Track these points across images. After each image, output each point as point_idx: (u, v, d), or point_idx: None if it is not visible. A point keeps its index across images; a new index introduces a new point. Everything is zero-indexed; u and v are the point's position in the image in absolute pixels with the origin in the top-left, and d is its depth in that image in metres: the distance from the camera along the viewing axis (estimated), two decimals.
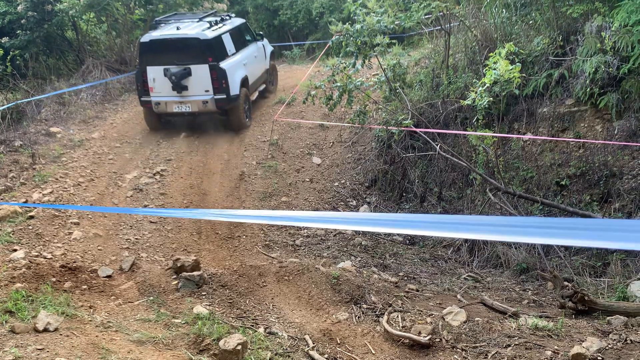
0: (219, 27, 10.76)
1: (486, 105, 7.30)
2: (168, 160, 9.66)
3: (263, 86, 12.48)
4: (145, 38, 10.41)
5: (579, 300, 5.43)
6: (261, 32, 13.29)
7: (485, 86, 7.12)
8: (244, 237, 7.54)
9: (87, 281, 5.86)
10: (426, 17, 10.82)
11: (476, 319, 5.20)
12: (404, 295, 5.90)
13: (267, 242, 7.46)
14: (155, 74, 10.16)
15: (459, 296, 6.09)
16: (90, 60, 13.80)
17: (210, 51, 10.08)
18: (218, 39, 10.39)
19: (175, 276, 6.01)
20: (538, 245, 7.24)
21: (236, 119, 10.66)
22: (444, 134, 9.14)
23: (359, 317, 5.32)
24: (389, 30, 8.64)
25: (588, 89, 7.92)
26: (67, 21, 14.30)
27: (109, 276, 6.07)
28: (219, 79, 10.04)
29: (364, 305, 5.51)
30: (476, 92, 7.32)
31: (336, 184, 9.53)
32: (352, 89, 8.56)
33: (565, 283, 5.92)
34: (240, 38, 11.43)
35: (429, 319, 5.16)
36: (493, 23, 9.70)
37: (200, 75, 10.06)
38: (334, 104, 8.73)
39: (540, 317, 5.25)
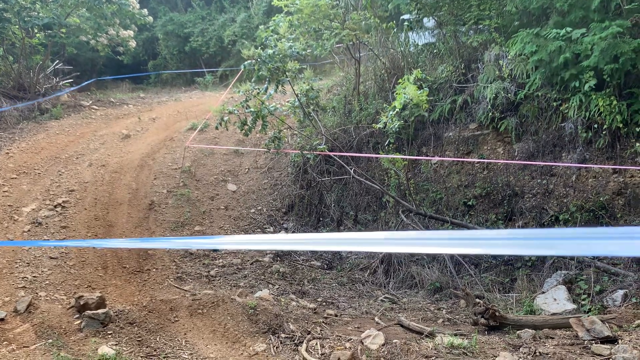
0: None
1: (397, 129, 7.51)
2: (71, 191, 9.06)
3: None
4: None
5: (491, 316, 5.60)
6: None
7: (396, 110, 7.32)
8: (154, 270, 7.17)
9: None
10: (337, 45, 11.08)
11: (394, 341, 5.19)
12: (323, 322, 5.82)
13: (179, 275, 7.13)
14: None
15: (376, 319, 6.09)
16: None
17: None
18: None
19: (78, 315, 5.57)
20: (449, 264, 7.45)
21: None
22: (358, 158, 9.29)
23: (277, 348, 5.15)
24: (301, 57, 8.69)
25: (489, 114, 8.37)
26: None
27: (1, 319, 5.52)
28: None
29: (283, 335, 5.35)
30: (387, 117, 7.51)
31: (252, 210, 9.36)
32: (265, 114, 8.49)
33: (477, 300, 6.10)
34: None
35: (348, 344, 5.09)
36: (400, 52, 10.08)
37: None
38: (249, 129, 8.58)
39: (455, 335, 5.34)
